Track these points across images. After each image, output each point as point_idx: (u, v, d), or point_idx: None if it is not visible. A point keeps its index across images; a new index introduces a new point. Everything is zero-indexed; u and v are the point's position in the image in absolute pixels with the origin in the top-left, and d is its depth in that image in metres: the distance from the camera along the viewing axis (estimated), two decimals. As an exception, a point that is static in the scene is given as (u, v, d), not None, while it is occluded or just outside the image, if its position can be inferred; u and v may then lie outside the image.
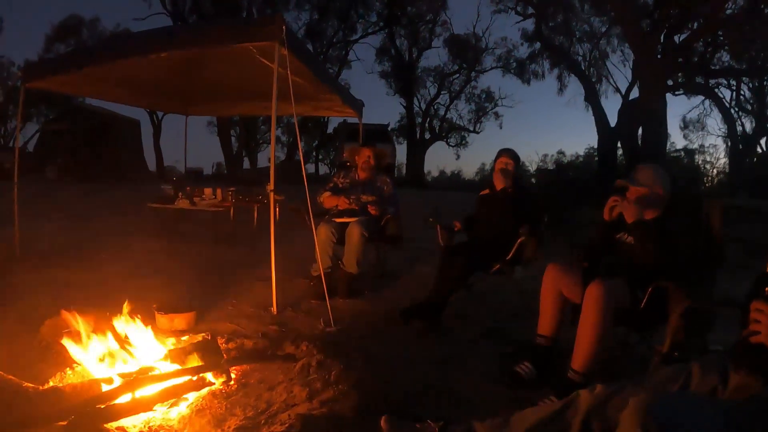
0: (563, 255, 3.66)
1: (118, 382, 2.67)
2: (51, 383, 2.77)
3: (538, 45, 30.14)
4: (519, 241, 4.13)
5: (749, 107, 30.96)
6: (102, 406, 2.45)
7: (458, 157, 59.97)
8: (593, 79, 28.24)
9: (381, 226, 5.28)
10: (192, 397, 2.77)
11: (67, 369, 3.01)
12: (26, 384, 2.53)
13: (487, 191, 4.67)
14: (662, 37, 20.14)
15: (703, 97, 30.20)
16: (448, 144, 37.67)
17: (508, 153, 4.58)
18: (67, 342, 2.93)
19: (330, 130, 35.71)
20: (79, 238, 7.39)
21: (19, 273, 5.44)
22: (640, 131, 20.19)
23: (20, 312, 3.98)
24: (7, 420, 2.28)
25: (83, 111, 23.45)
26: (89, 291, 4.60)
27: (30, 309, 3.99)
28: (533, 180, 30.57)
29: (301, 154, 5.35)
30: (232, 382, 2.98)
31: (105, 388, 2.64)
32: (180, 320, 3.94)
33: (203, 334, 3.66)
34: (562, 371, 3.00)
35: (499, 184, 4.56)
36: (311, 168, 37.94)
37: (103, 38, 30.57)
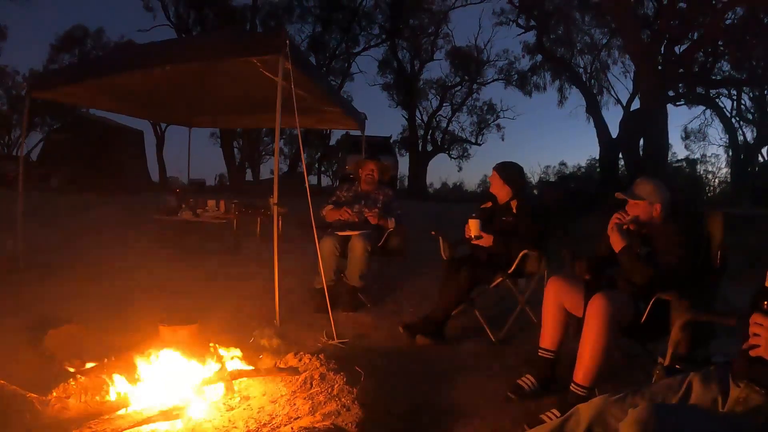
0: (565, 268, 3.65)
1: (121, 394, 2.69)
2: (54, 394, 2.78)
3: (539, 57, 30.20)
4: (521, 254, 4.14)
5: (750, 116, 30.96)
6: (105, 418, 2.46)
7: (460, 169, 59.67)
8: (594, 91, 28.29)
9: (384, 239, 5.29)
10: (195, 409, 2.78)
11: (71, 380, 3.01)
12: (30, 394, 2.54)
13: (489, 204, 4.65)
14: (663, 48, 20.20)
15: (704, 107, 30.26)
16: (450, 156, 37.62)
17: (495, 168, 4.54)
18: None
19: (332, 142, 35.77)
20: (83, 249, 7.41)
21: (22, 284, 5.46)
22: (641, 142, 20.22)
23: (24, 323, 3.99)
24: (10, 430, 2.29)
25: (87, 121, 23.50)
26: (92, 302, 4.62)
27: (34, 320, 4.01)
28: (535, 191, 30.51)
29: (304, 166, 5.39)
30: (235, 395, 2.98)
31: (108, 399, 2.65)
32: (183, 332, 3.94)
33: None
34: (564, 384, 3.00)
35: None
36: (313, 180, 37.92)
37: (108, 50, 30.76)
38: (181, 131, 9.26)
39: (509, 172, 4.49)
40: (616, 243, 3.05)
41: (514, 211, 4.38)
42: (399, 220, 5.43)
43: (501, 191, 4.49)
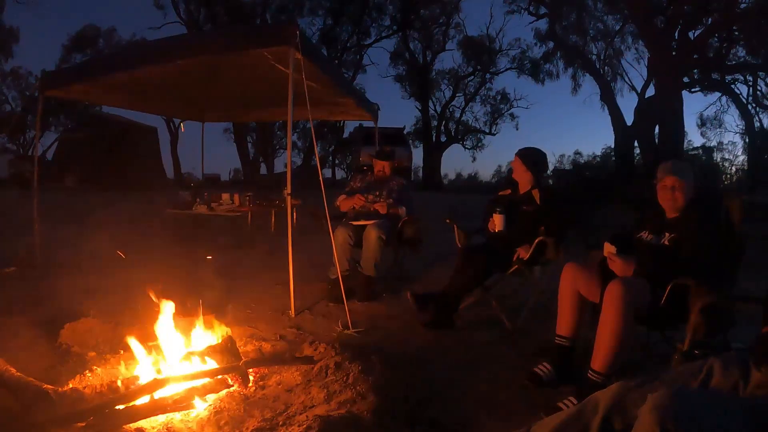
0: (581, 256, 3.62)
1: (137, 383, 2.70)
2: (71, 385, 2.80)
3: (551, 45, 29.97)
4: (537, 240, 4.09)
5: (766, 102, 30.45)
6: (121, 408, 2.47)
7: (474, 159, 59.34)
8: (608, 78, 27.99)
9: (399, 229, 5.27)
10: (211, 398, 2.79)
11: (87, 371, 3.04)
12: (46, 386, 2.56)
13: (508, 191, 4.62)
14: (677, 34, 19.95)
15: (719, 94, 29.71)
16: (464, 146, 37.48)
17: (517, 154, 4.50)
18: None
19: (346, 134, 35.76)
20: (98, 245, 7.44)
21: (39, 279, 5.50)
22: (657, 129, 20.02)
23: (41, 317, 4.02)
24: (27, 421, 2.31)
25: (101, 119, 23.64)
26: (108, 297, 4.64)
27: (50, 314, 4.04)
28: (550, 181, 30.29)
29: (317, 158, 5.37)
30: (250, 384, 2.99)
31: (124, 389, 2.66)
32: (199, 323, 3.96)
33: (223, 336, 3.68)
34: (582, 372, 2.97)
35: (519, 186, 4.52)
36: (327, 173, 37.89)
37: (120, 47, 30.93)
38: (195, 128, 9.27)
39: (532, 157, 4.46)
40: (623, 270, 3.01)
41: (537, 201, 4.34)
42: (410, 210, 5.40)
43: (523, 177, 4.45)
